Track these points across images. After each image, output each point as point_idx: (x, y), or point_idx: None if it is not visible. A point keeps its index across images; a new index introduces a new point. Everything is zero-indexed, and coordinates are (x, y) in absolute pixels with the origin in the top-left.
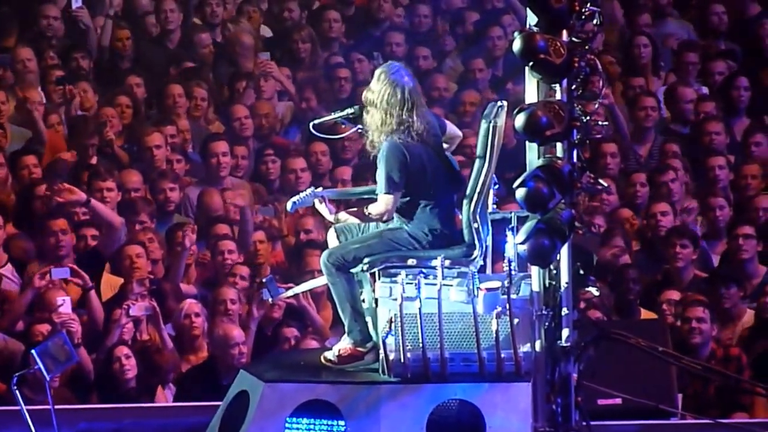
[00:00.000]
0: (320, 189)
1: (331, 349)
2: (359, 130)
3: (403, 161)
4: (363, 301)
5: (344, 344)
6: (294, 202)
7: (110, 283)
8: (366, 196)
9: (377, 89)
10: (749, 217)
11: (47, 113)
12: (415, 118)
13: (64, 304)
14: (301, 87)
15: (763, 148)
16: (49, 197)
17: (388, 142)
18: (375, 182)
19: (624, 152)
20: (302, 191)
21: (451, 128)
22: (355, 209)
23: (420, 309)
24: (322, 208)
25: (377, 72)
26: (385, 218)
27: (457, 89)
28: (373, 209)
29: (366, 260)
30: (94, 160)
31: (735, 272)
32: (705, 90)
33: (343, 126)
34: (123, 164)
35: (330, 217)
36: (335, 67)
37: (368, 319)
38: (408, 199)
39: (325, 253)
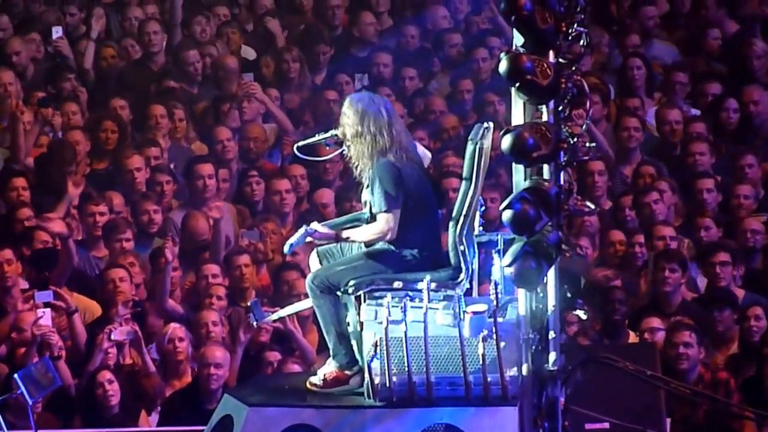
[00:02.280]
0: (311, 226)
1: (316, 373)
2: (344, 152)
3: (398, 178)
4: (348, 324)
5: (329, 368)
6: (291, 245)
7: (83, 306)
8: (357, 223)
9: (357, 119)
10: (736, 240)
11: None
12: (403, 136)
13: (44, 316)
14: (300, 109)
15: (755, 170)
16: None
17: (380, 161)
18: (359, 202)
19: (609, 171)
20: (296, 232)
21: (420, 149)
22: (357, 227)
23: (406, 332)
24: (323, 236)
25: (350, 106)
26: (388, 237)
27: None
28: (374, 229)
29: (351, 282)
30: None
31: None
32: (695, 111)
33: (327, 148)
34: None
35: (332, 240)
36: (322, 88)
37: (353, 342)
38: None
39: (309, 276)
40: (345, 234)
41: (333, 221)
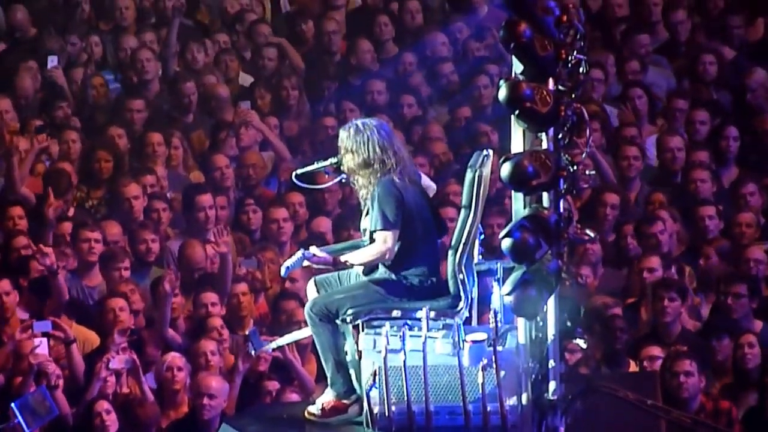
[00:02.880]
0: (309, 250)
1: (314, 402)
2: (342, 180)
3: (398, 198)
4: (346, 353)
5: (328, 397)
6: (287, 267)
7: (82, 336)
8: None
9: (362, 146)
10: (742, 270)
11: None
12: (405, 155)
13: (41, 345)
14: (298, 138)
15: (756, 198)
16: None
17: (381, 181)
18: (357, 230)
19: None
20: (293, 254)
21: (425, 180)
22: (355, 251)
23: (405, 361)
24: (320, 261)
25: (348, 137)
26: (386, 257)
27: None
28: (371, 250)
29: (350, 311)
30: (71, 212)
31: (729, 326)
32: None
33: (327, 176)
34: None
35: (329, 266)
36: (321, 115)
37: (352, 371)
38: (398, 244)
39: (308, 304)
40: (343, 258)
41: (331, 247)
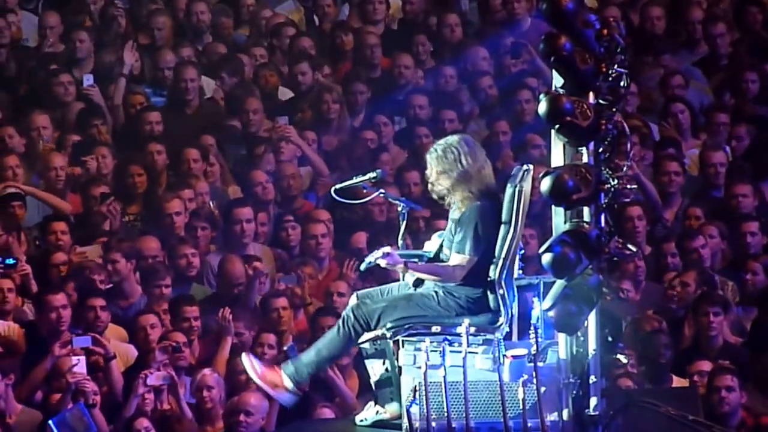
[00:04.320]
0: (388, 248)
1: (355, 421)
2: (381, 194)
3: (488, 228)
4: (386, 370)
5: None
6: (368, 262)
7: (119, 351)
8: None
9: (455, 164)
10: None
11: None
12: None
13: (79, 363)
14: (336, 153)
15: None
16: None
17: (483, 204)
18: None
19: (655, 218)
20: (371, 253)
21: None
22: (425, 264)
23: (445, 377)
24: (394, 261)
25: (438, 155)
26: (454, 280)
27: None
28: (447, 269)
29: (389, 325)
30: (107, 226)
31: None
32: (727, 150)
33: (365, 191)
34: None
35: (399, 268)
36: (360, 129)
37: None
38: None
39: (354, 303)
40: (413, 266)
41: (414, 252)
